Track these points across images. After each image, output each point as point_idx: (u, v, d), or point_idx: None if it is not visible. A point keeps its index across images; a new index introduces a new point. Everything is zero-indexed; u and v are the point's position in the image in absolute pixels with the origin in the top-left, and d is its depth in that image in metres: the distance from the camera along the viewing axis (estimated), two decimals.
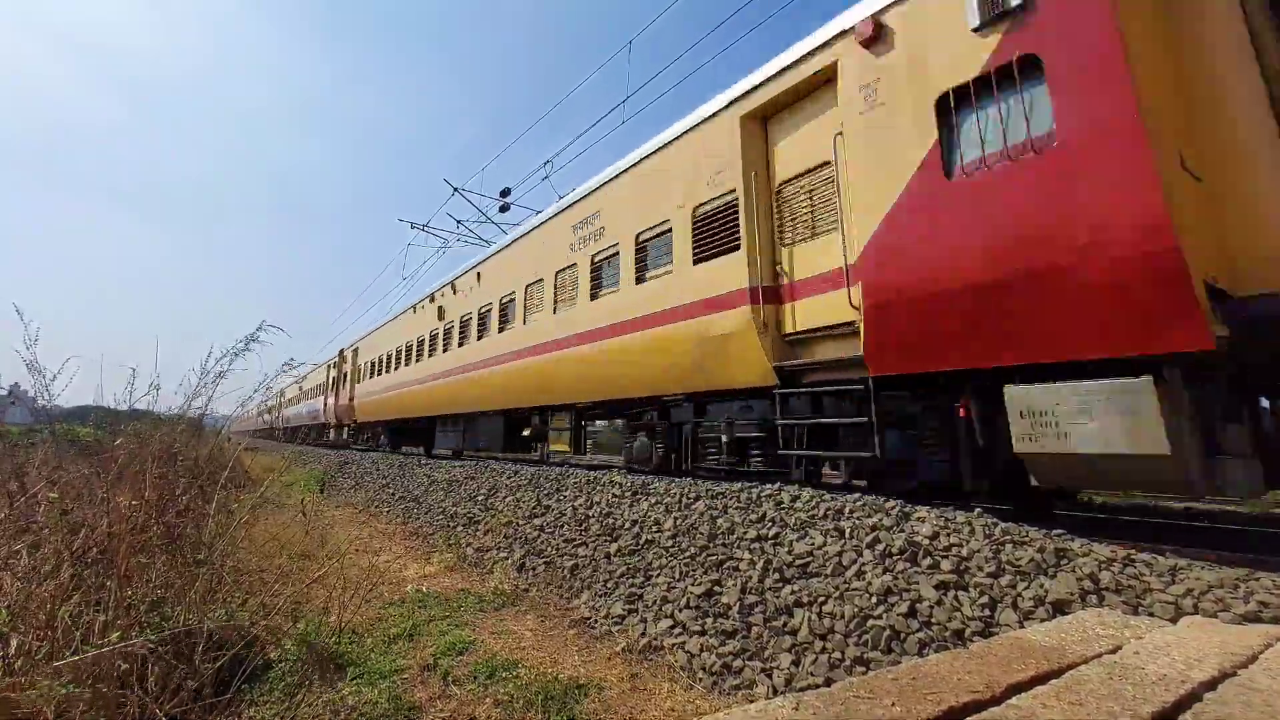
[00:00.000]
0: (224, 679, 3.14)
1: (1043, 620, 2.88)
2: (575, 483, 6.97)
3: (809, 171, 5.55)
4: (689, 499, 5.37)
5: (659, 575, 4.68)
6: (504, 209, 17.55)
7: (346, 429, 22.89)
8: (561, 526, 6.24)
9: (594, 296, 8.08)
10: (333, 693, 3.36)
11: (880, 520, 3.99)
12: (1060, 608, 2.95)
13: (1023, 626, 2.88)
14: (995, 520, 3.66)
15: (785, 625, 3.62)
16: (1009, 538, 3.47)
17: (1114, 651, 2.21)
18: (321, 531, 7.84)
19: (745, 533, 4.54)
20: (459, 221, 18.32)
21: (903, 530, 3.82)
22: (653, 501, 5.67)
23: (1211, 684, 1.90)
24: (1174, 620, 2.67)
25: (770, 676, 3.38)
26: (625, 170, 7.82)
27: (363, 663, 3.78)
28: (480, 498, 8.26)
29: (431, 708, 3.29)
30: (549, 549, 5.97)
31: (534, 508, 6.97)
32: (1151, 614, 2.78)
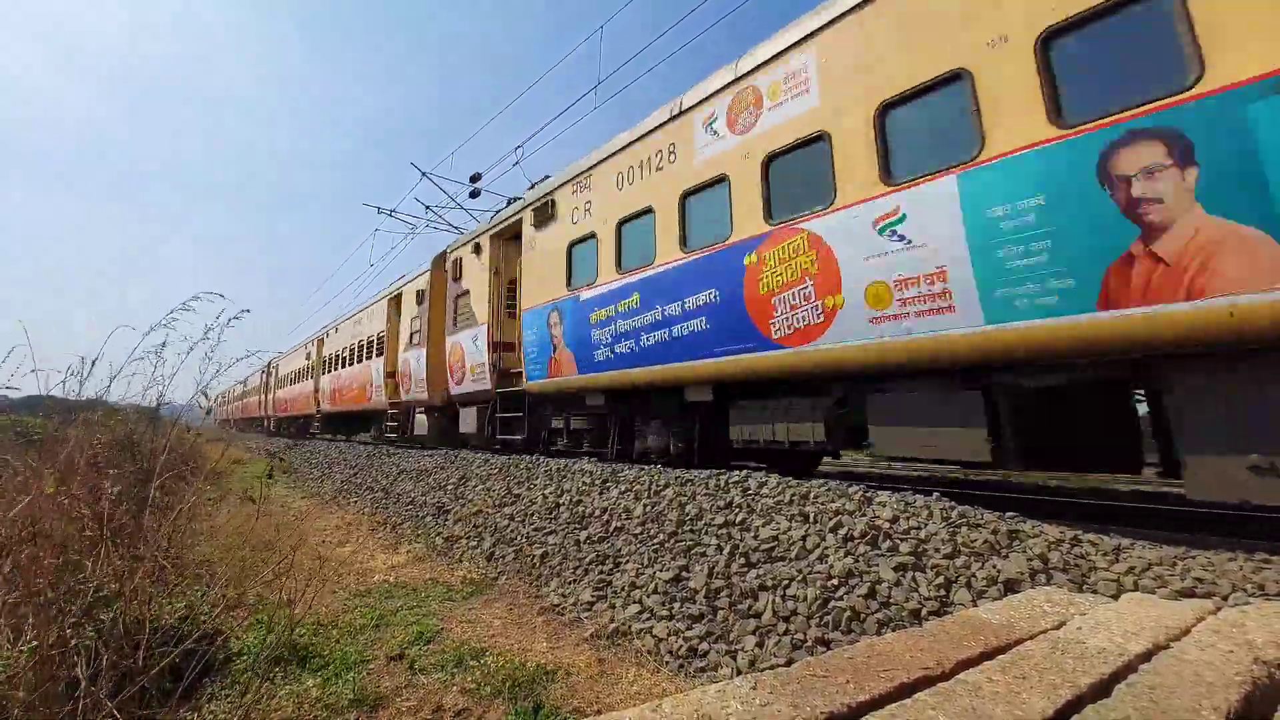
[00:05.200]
0: (182, 673, 3.06)
1: (994, 599, 2.98)
2: (546, 471, 6.95)
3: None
4: (658, 486, 5.41)
5: (628, 562, 4.71)
6: (474, 194, 17.25)
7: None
8: (531, 515, 6.22)
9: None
10: (295, 684, 3.31)
11: (844, 505, 4.08)
12: (1011, 586, 3.06)
13: (975, 605, 2.97)
14: (952, 504, 3.78)
15: (750, 608, 3.68)
16: (965, 520, 3.58)
17: (1059, 627, 2.31)
18: (287, 523, 7.69)
19: (713, 519, 4.60)
20: (428, 207, 17.94)
21: (864, 514, 3.91)
22: (622, 489, 5.70)
23: (1146, 656, 2.00)
24: (1115, 597, 2.79)
25: (735, 658, 3.43)
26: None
27: (327, 654, 3.73)
28: (450, 487, 8.18)
29: (397, 697, 3.27)
30: (519, 537, 5.95)
31: (504, 496, 6.94)
32: (1096, 591, 2.90)
